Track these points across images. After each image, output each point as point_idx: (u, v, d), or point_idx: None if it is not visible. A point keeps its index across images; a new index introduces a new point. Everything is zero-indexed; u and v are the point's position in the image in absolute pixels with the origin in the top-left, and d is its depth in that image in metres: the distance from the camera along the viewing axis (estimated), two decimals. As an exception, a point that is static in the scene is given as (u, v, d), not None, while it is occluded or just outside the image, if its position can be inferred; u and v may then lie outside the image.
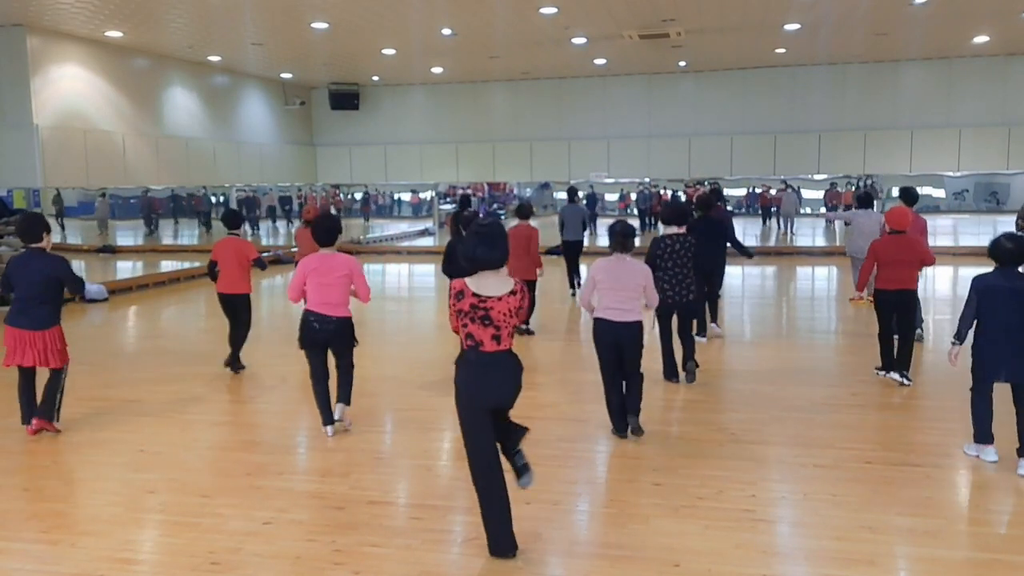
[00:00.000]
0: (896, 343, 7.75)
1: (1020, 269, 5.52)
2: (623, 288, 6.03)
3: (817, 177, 24.88)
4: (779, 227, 24.76)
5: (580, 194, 14.22)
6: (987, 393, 5.67)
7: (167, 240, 24.40)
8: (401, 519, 4.86)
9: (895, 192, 31.89)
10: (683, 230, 7.51)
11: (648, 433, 6.33)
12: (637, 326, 6.06)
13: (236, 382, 8.24)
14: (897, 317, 7.69)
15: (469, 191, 28.51)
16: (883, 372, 7.87)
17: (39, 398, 6.44)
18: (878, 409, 6.86)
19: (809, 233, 24.13)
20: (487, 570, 4.19)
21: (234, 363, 8.37)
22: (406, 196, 35.66)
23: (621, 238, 6.05)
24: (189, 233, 26.50)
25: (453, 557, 4.39)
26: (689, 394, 7.48)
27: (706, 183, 25.23)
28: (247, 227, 25.21)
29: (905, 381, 7.61)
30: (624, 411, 6.21)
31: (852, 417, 6.66)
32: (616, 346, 6.07)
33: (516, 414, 6.78)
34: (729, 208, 32.62)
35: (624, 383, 6.22)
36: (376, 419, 6.95)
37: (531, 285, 10.12)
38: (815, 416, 6.67)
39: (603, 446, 6.19)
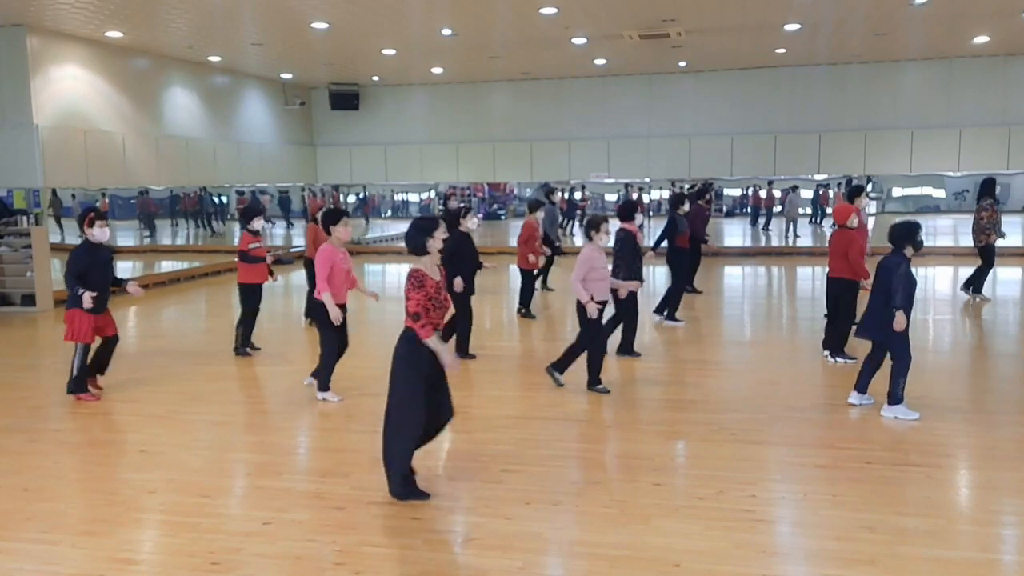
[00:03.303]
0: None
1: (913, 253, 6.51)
2: (607, 269, 7.26)
3: (817, 177, 24.85)
4: (766, 230, 24.79)
5: (558, 195, 14.54)
6: (872, 351, 6.82)
7: (165, 240, 24.35)
8: (401, 519, 4.86)
9: (895, 192, 31.97)
10: (629, 225, 8.31)
11: (648, 433, 6.34)
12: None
13: (236, 382, 8.24)
14: (831, 302, 8.59)
15: (453, 191, 28.49)
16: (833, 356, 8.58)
17: (71, 370, 7.44)
18: (878, 409, 6.86)
19: (809, 234, 24.12)
20: (487, 570, 4.19)
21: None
22: (413, 197, 35.47)
23: (585, 228, 7.20)
24: (188, 234, 26.39)
25: (453, 557, 4.39)
26: (689, 394, 7.49)
27: (678, 184, 25.19)
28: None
29: (829, 359, 8.49)
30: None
31: (852, 417, 6.66)
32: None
33: (516, 414, 6.82)
34: (724, 208, 32.60)
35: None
36: (376, 419, 6.93)
37: (525, 273, 11.20)
38: (815, 416, 6.67)
39: (603, 446, 6.20)
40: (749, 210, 28.45)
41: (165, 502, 5.16)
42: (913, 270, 6.49)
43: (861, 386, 6.90)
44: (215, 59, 17.37)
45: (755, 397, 7.27)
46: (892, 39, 16.14)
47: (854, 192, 10.39)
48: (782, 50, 17.21)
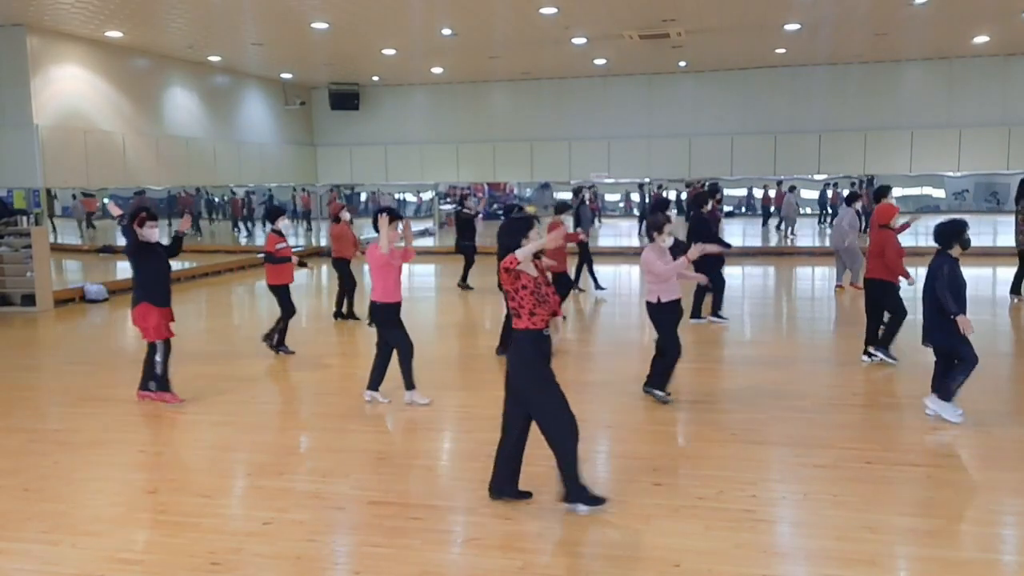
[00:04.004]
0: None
1: (953, 253, 6.34)
2: None
3: (817, 177, 24.83)
4: (779, 229, 24.70)
5: (587, 196, 14.35)
6: (939, 357, 6.50)
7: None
8: (401, 519, 4.86)
9: (895, 192, 31.87)
10: None
11: (648, 433, 6.34)
12: None
13: (237, 382, 8.24)
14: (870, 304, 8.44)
15: (469, 191, 28.49)
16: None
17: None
18: (878, 409, 6.86)
19: (809, 234, 24.11)
20: (487, 570, 4.19)
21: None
22: (410, 196, 35.46)
23: (648, 229, 7.09)
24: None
25: (453, 557, 4.39)
26: (689, 394, 7.48)
27: (662, 185, 25.12)
28: (245, 227, 25.16)
29: (863, 359, 8.37)
30: None
31: (852, 417, 6.66)
32: None
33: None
34: (729, 208, 32.58)
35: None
36: (376, 419, 6.96)
37: (553, 278, 10.66)
38: (815, 416, 6.67)
39: (603, 446, 6.20)
40: (761, 210, 28.35)
41: (165, 502, 5.16)
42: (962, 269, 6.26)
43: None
44: (215, 59, 17.36)
45: (756, 397, 7.27)
46: (892, 39, 16.13)
47: (882, 192, 10.28)
48: (782, 50, 17.21)
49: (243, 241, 24.14)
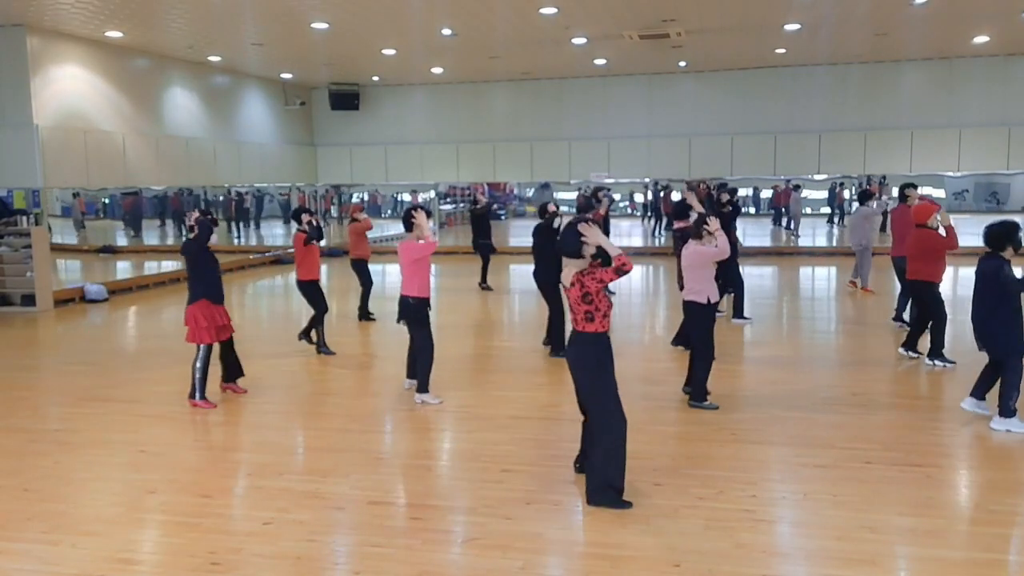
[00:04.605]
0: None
1: (1006, 254, 6.28)
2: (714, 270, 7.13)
3: (817, 177, 24.84)
4: (785, 227, 24.69)
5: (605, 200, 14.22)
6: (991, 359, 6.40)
7: (169, 241, 24.39)
8: (401, 519, 4.86)
9: (895, 192, 31.80)
10: (685, 223, 8.18)
11: (648, 433, 6.34)
12: None
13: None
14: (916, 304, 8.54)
15: (482, 189, 28.46)
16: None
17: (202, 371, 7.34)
18: (878, 409, 6.86)
19: (811, 233, 24.11)
20: (487, 570, 4.19)
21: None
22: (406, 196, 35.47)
23: (695, 231, 7.02)
24: (174, 234, 26.31)
25: (453, 557, 4.39)
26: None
27: (668, 185, 25.06)
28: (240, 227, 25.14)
29: (927, 362, 8.27)
30: None
31: (852, 417, 6.65)
32: None
33: (517, 414, 6.82)
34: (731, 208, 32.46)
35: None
36: (376, 419, 6.96)
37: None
38: (815, 416, 6.67)
39: (603, 446, 6.18)
40: (771, 209, 28.35)
41: (165, 502, 5.16)
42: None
43: (978, 392, 6.47)
44: (215, 59, 17.36)
45: (756, 397, 7.27)
46: (892, 39, 16.13)
47: (906, 190, 10.18)
48: (782, 50, 17.21)
49: (235, 241, 24.16)
